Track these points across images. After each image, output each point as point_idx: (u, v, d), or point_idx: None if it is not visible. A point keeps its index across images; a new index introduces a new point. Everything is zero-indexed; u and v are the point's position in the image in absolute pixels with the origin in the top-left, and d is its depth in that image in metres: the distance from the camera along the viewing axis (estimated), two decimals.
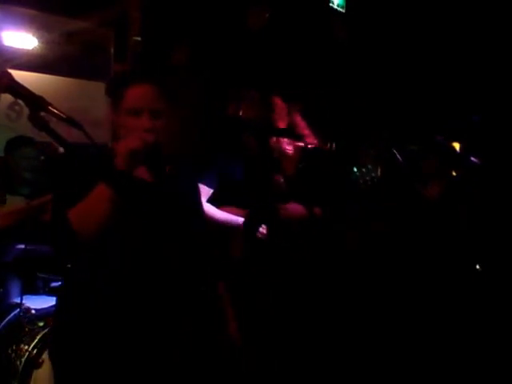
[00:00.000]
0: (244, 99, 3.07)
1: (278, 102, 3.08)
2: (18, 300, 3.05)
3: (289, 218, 2.97)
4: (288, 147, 3.10)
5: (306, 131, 3.19)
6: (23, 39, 4.17)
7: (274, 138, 3.04)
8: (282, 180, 3.09)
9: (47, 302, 3.15)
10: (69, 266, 2.05)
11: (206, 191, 2.91)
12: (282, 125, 3.06)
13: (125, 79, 1.98)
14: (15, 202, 2.83)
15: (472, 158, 3.06)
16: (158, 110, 1.93)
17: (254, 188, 2.96)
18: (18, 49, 4.14)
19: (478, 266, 2.90)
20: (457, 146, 3.22)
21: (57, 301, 2.12)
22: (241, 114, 3.03)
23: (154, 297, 1.92)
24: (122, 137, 1.92)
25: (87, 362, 1.85)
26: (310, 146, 3.13)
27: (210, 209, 2.90)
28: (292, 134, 3.01)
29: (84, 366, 1.86)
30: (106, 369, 1.86)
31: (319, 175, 3.16)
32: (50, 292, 3.27)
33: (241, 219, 2.94)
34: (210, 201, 2.93)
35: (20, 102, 1.67)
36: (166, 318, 1.94)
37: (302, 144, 3.12)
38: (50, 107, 1.66)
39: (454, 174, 3.14)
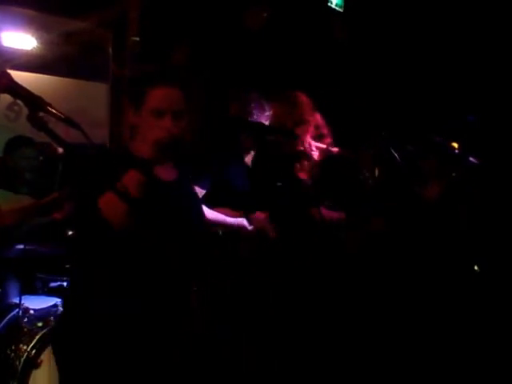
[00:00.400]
0: (273, 100, 3.01)
1: (304, 98, 3.04)
2: (16, 300, 3.06)
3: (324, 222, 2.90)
4: (314, 150, 3.05)
5: (326, 130, 3.17)
6: (22, 40, 4.17)
7: (301, 141, 2.98)
8: (309, 182, 3.04)
9: (46, 302, 3.15)
10: (68, 266, 2.05)
11: (198, 192, 2.91)
12: (311, 121, 2.99)
13: (149, 80, 2.00)
14: (19, 201, 2.83)
15: (471, 158, 3.05)
16: (180, 111, 1.96)
17: (253, 189, 2.95)
18: (17, 49, 4.15)
19: (476, 267, 2.90)
20: (456, 145, 3.22)
21: (63, 299, 2.11)
22: (269, 114, 2.97)
23: (159, 297, 1.93)
24: (142, 136, 1.94)
25: (91, 358, 1.86)
26: (334, 150, 3.10)
27: None
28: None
29: (88, 363, 1.86)
30: (109, 366, 1.87)
31: (339, 180, 3.12)
32: (48, 292, 3.27)
33: (230, 219, 2.91)
34: (202, 201, 2.92)
35: (19, 102, 1.67)
36: (167, 317, 1.95)
37: (324, 147, 3.09)
38: (48, 107, 1.66)
39: (453, 174, 3.13)
